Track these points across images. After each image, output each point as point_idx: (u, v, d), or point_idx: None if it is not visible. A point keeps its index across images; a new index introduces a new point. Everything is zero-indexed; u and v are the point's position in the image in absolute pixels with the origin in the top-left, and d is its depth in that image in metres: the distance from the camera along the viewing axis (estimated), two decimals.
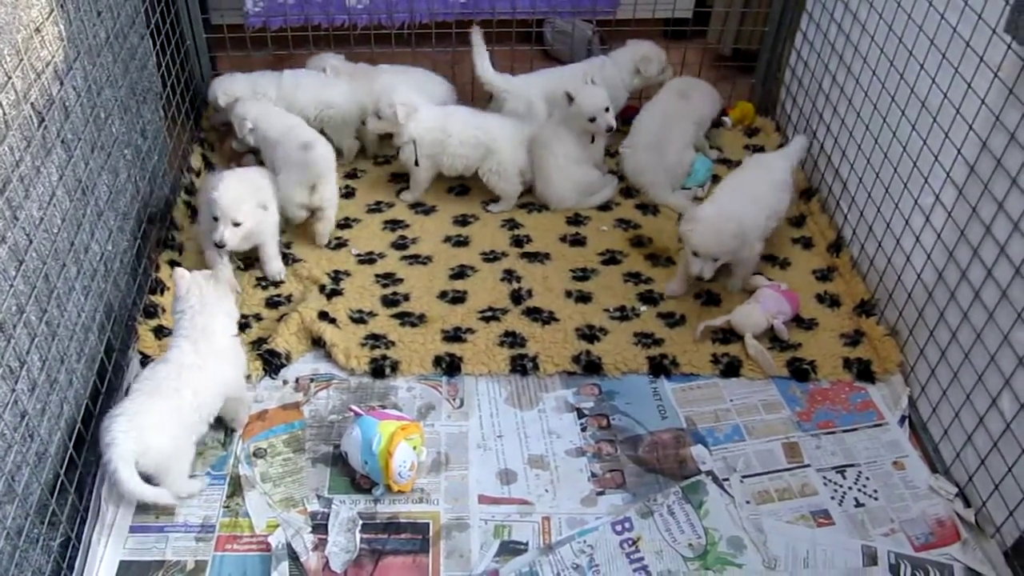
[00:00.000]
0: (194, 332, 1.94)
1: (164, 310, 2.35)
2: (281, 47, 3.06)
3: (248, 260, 2.54)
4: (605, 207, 2.82)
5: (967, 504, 1.94)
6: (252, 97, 2.79)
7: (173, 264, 2.48)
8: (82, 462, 1.92)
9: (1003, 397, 1.83)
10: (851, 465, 2.06)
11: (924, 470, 2.05)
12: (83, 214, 2.03)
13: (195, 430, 1.93)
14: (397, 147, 2.75)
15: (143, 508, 1.90)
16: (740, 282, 2.46)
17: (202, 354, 1.92)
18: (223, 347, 1.97)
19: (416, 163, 2.72)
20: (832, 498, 1.98)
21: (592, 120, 2.68)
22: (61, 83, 1.94)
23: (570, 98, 2.67)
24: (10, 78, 1.68)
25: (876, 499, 1.98)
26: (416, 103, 2.68)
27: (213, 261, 2.38)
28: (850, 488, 2.00)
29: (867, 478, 2.03)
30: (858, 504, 1.97)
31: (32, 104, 1.78)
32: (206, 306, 1.95)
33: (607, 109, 2.68)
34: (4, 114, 1.66)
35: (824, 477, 2.03)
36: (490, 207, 2.80)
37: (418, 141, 2.69)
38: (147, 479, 1.84)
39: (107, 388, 2.08)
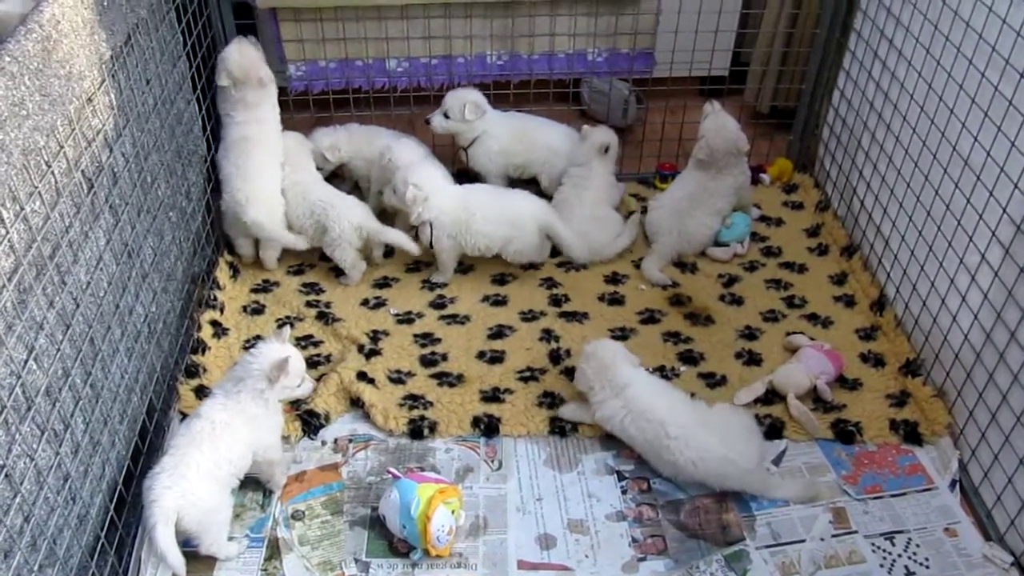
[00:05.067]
0: (232, 390, 1.96)
1: (205, 370, 2.37)
2: (323, 110, 3.12)
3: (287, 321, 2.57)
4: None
5: (1023, 574, 1.88)
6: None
7: (215, 324, 2.52)
8: (122, 523, 1.93)
9: None
10: (900, 531, 2.00)
11: (977, 537, 1.99)
12: (128, 277, 2.06)
13: (229, 483, 1.95)
14: (412, 225, 2.72)
15: None
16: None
17: (231, 412, 1.94)
18: (254, 413, 1.96)
19: (431, 244, 2.71)
20: (881, 566, 1.92)
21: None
22: (111, 150, 1.99)
23: (606, 149, 2.89)
24: (62, 147, 1.73)
25: (927, 567, 1.92)
26: (432, 188, 2.65)
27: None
28: (900, 555, 1.95)
29: (917, 545, 1.97)
30: (909, 572, 1.91)
31: (83, 171, 1.83)
32: (250, 375, 1.96)
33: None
34: (56, 182, 1.70)
35: (872, 544, 1.97)
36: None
37: (436, 223, 2.66)
38: (187, 543, 1.85)
39: (148, 448, 2.09)
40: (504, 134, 2.98)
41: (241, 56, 2.60)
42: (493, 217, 2.66)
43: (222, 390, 1.97)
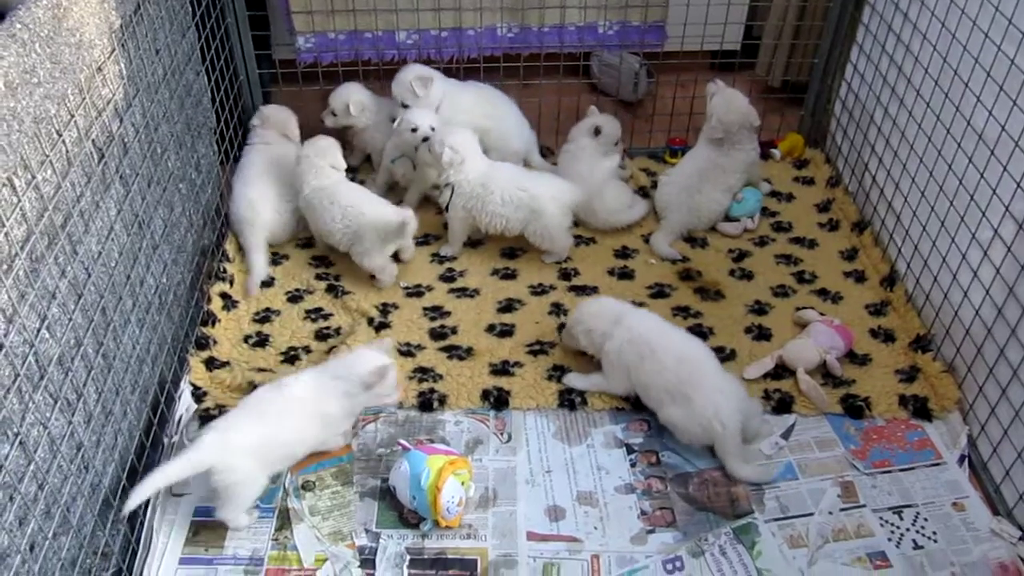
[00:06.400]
0: (326, 383, 1.99)
1: (215, 342, 2.38)
2: (332, 81, 3.10)
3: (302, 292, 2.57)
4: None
5: None
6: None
7: (224, 296, 2.52)
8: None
9: None
10: (908, 505, 2.00)
11: (985, 512, 1.99)
12: (139, 248, 2.06)
13: (271, 467, 1.97)
14: (440, 184, 2.70)
15: (193, 540, 1.92)
16: None
17: (310, 405, 1.98)
18: (331, 412, 2.00)
19: (447, 208, 2.68)
20: (889, 540, 1.93)
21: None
22: (120, 120, 1.98)
23: (598, 131, 2.83)
24: (73, 116, 1.73)
25: (935, 541, 1.93)
26: (465, 153, 2.61)
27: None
28: (908, 529, 1.95)
29: (925, 519, 1.97)
30: (916, 546, 1.92)
31: (93, 141, 1.83)
32: (346, 377, 1.99)
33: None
34: (67, 151, 1.70)
35: (881, 518, 1.98)
36: (544, 257, 2.74)
37: (457, 189, 2.63)
38: (206, 512, 1.87)
39: (159, 419, 2.10)
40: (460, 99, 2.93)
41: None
42: (511, 199, 2.61)
43: (315, 380, 2.00)
